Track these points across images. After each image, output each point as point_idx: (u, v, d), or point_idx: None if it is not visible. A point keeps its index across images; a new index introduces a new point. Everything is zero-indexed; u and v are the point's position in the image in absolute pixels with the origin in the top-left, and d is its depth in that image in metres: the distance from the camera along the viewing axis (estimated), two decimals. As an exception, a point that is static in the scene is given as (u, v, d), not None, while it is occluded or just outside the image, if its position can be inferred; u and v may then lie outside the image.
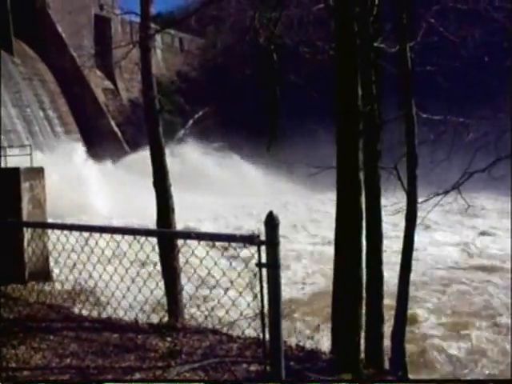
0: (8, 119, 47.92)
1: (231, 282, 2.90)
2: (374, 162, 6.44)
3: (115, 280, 5.41)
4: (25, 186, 15.48)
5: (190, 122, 56.54)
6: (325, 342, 6.80)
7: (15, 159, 19.22)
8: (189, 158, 36.84)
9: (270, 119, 29.26)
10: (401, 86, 7.18)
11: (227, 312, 3.12)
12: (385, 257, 7.54)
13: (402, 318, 6.69)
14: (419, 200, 6.79)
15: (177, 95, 60.89)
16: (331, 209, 7.06)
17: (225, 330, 6.02)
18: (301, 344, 6.61)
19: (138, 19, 12.98)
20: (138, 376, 5.03)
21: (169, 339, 5.91)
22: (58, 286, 7.62)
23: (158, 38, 44.98)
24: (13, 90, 49.87)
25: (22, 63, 52.86)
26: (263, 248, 2.54)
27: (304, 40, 10.27)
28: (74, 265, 5.58)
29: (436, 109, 8.40)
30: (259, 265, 2.61)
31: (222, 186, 31.99)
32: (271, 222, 2.54)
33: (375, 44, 6.99)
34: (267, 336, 2.79)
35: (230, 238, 2.64)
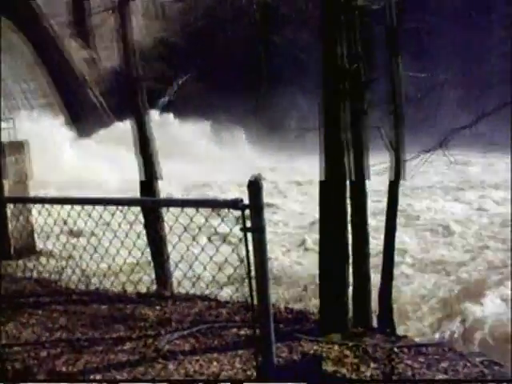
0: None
1: (217, 249, 2.82)
2: (360, 121, 6.37)
3: (100, 252, 5.35)
4: (10, 159, 15.22)
5: (175, 88, 55.85)
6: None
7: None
8: (170, 125, 36.32)
9: (256, 83, 28.88)
10: (387, 44, 7.04)
11: (214, 278, 3.06)
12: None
13: (388, 275, 6.71)
14: (405, 158, 6.75)
15: (159, 62, 59.95)
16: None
17: (213, 296, 6.01)
18: (289, 306, 6.65)
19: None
20: (128, 346, 5.01)
21: (158, 308, 5.89)
22: (43, 260, 7.55)
23: (137, 2, 44.00)
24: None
25: (-7, 36, 51.67)
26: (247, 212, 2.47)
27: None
28: (58, 238, 5.51)
29: (422, 67, 8.28)
30: (244, 229, 2.54)
31: (205, 153, 31.51)
32: (254, 185, 2.46)
33: (359, 2, 6.84)
34: (255, 300, 2.73)
35: (213, 204, 2.56)
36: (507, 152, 26.07)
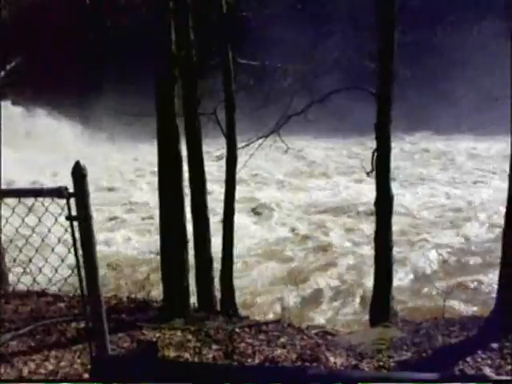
0: None
1: (59, 240, 2.71)
2: (193, 107, 6.43)
3: None
4: None
5: (1, 74, 51.84)
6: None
7: None
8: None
9: (89, 67, 27.70)
10: (219, 31, 7.13)
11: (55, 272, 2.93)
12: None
13: (229, 257, 6.86)
14: (240, 144, 6.92)
15: (-17, 45, 55.19)
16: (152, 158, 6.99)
17: (52, 290, 5.78)
18: (132, 296, 6.59)
19: None
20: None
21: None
22: None
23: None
24: None
25: None
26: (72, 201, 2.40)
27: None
28: None
29: (256, 55, 8.53)
30: (70, 218, 2.47)
31: (36, 141, 29.40)
32: (79, 172, 2.41)
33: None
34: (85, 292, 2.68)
35: (36, 193, 2.45)
36: (341, 137, 27.90)
